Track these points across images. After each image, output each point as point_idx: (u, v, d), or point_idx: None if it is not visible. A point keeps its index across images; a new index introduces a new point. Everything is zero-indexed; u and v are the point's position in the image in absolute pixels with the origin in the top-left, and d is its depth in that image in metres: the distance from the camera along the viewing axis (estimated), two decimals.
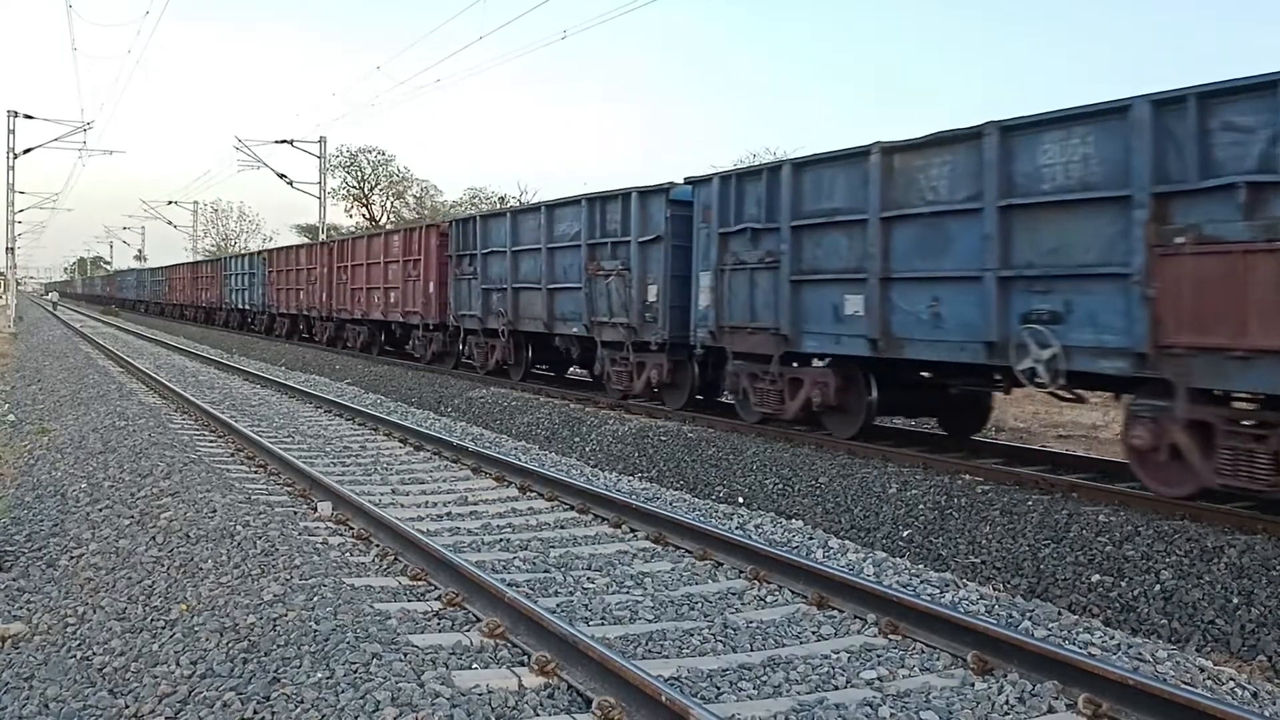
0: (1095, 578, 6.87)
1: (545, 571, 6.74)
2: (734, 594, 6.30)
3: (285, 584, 5.76)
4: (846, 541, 7.88)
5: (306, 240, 40.05)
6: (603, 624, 5.69)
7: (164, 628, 5.37)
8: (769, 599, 6.22)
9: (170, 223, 73.08)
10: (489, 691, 4.53)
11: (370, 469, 10.54)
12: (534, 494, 9.20)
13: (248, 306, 36.78)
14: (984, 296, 8.78)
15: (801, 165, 10.85)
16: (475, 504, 8.86)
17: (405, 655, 4.70)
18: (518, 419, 14.25)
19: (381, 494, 9.10)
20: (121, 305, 74.00)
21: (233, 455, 11.02)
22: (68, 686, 4.86)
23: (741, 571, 6.68)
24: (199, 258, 63.68)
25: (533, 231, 16.38)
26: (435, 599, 5.94)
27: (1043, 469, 9.27)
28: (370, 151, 63.26)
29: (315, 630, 4.96)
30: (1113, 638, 5.62)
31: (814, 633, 5.63)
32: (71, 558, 6.91)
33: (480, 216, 18.81)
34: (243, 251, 42.41)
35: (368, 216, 63.02)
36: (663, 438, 11.80)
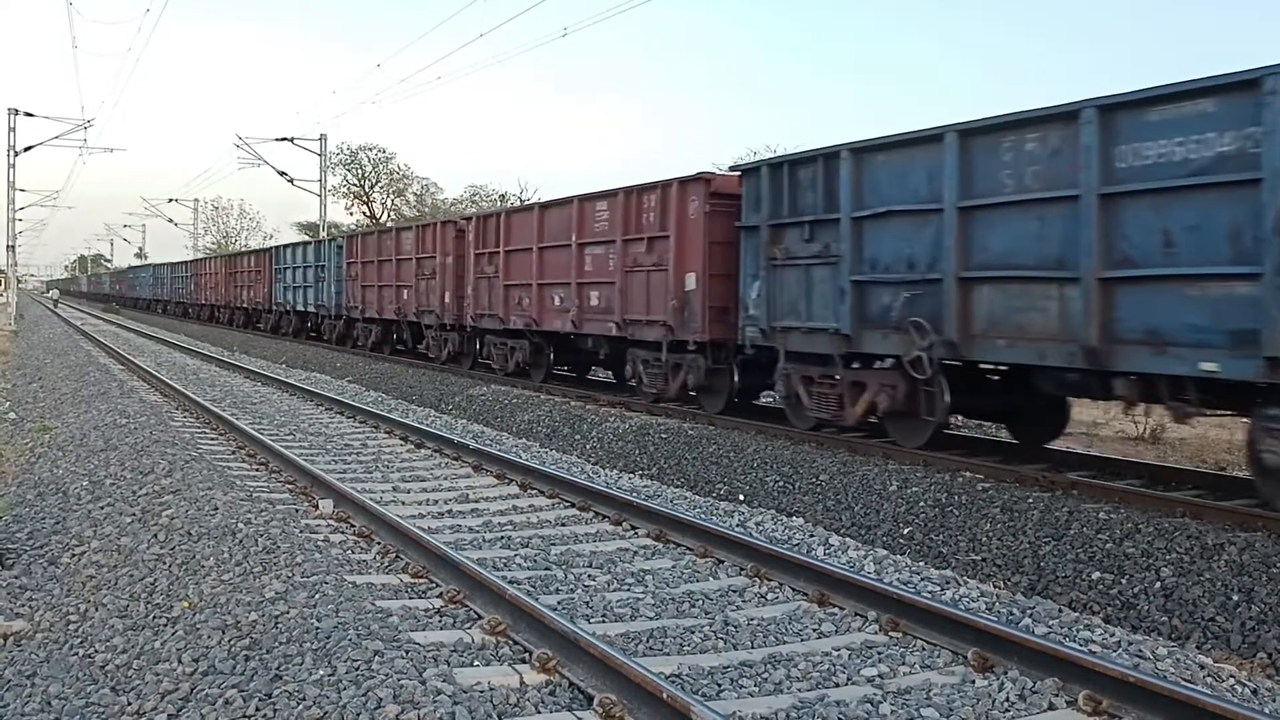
0: (1096, 575, 6.88)
1: (546, 569, 6.75)
2: (735, 591, 6.31)
3: (287, 581, 5.77)
4: (847, 539, 7.89)
5: (401, 221, 31.86)
6: (604, 621, 5.70)
7: (166, 625, 5.38)
8: (770, 596, 6.23)
9: (171, 220, 73.19)
10: (490, 689, 4.54)
11: (371, 467, 10.55)
12: (535, 491, 9.21)
13: (312, 309, 28.81)
14: None
15: None
16: (476, 502, 8.88)
17: (407, 652, 4.71)
18: (518, 416, 14.26)
19: (382, 491, 9.11)
20: (134, 305, 67.02)
21: (234, 453, 11.04)
22: (70, 684, 4.87)
23: (742, 569, 6.69)
24: (241, 249, 58.30)
25: (1043, 164, 8.22)
26: (436, 596, 5.95)
27: (1043, 467, 9.26)
28: (371, 149, 63.28)
29: (317, 627, 4.97)
30: (1113, 635, 5.63)
31: (815, 630, 5.64)
32: (73, 555, 6.92)
33: (851, 151, 10.08)
34: (310, 238, 34.93)
35: (368, 214, 63.04)
36: (663, 435, 11.79)
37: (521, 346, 17.32)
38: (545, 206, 16.62)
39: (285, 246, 33.51)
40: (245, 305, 36.82)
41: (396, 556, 6.82)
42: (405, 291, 21.92)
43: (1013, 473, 8.92)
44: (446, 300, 19.87)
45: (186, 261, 53.07)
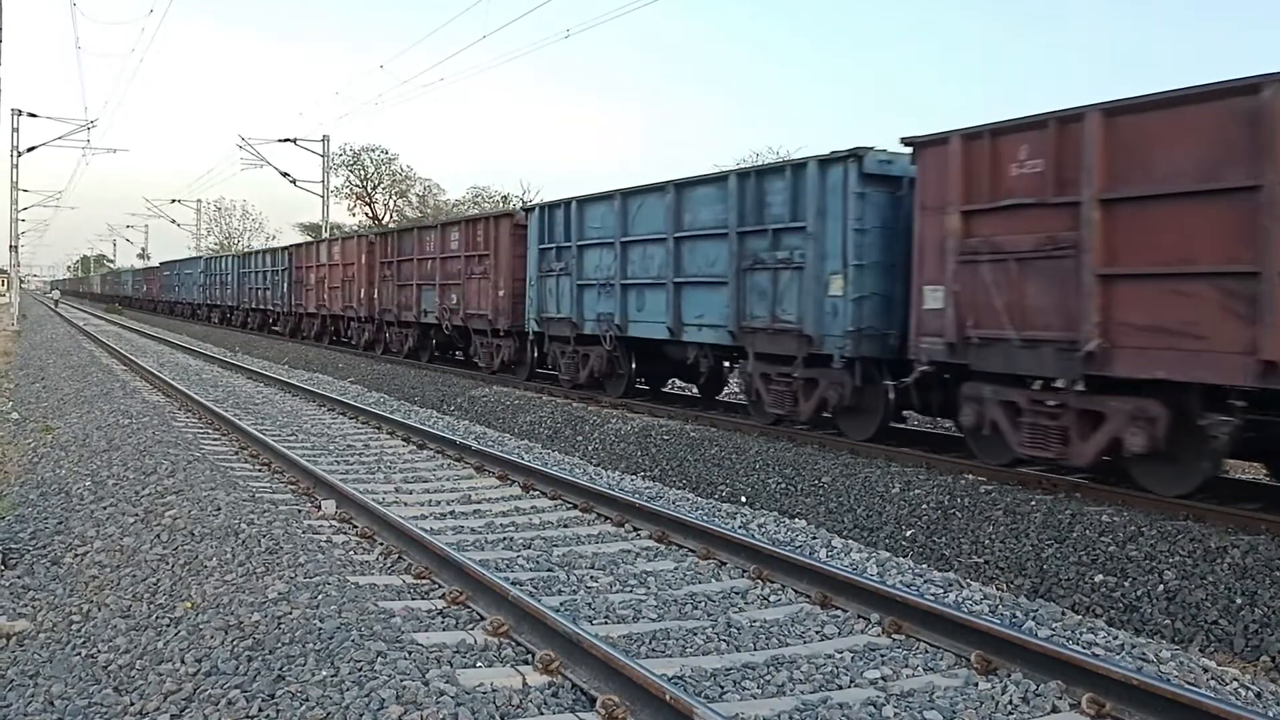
0: (1099, 578, 6.87)
1: (548, 570, 6.75)
2: (737, 593, 6.30)
3: (290, 582, 5.77)
4: (850, 541, 7.89)
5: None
6: (606, 623, 5.70)
7: (169, 625, 5.38)
8: (772, 598, 6.23)
9: (174, 221, 73.12)
10: (493, 690, 4.54)
11: (374, 467, 10.55)
12: (537, 493, 9.21)
13: (721, 336, 12.18)
14: None
15: None
16: (478, 503, 8.87)
17: (409, 653, 4.71)
18: (520, 418, 14.26)
19: (385, 492, 9.11)
20: (170, 313, 52.13)
21: (236, 453, 11.04)
22: (72, 684, 4.87)
23: (745, 571, 6.69)
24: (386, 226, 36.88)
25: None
26: (439, 597, 5.95)
27: (1046, 469, 9.25)
28: (373, 150, 63.49)
29: (320, 628, 4.97)
30: (1116, 638, 5.62)
31: (817, 632, 5.63)
32: (76, 555, 6.92)
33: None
34: (688, 176, 13.03)
35: (370, 215, 63.14)
36: (665, 437, 11.79)
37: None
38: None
39: (554, 205, 15.95)
40: (433, 318, 20.32)
41: (399, 557, 6.81)
42: None
43: (1015, 475, 8.93)
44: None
45: (275, 250, 33.89)
